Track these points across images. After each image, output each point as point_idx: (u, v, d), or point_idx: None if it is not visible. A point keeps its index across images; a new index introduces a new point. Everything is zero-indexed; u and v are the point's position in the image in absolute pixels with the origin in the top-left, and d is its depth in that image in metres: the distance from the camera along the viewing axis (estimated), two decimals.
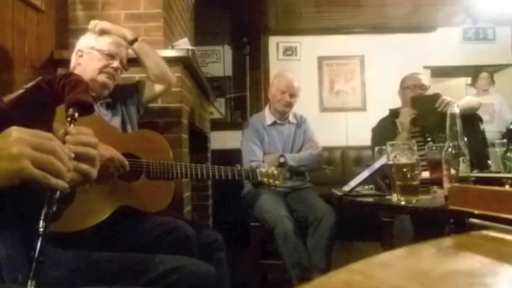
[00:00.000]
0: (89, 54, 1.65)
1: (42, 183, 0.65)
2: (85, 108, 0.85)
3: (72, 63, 1.69)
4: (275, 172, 1.84)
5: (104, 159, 1.34)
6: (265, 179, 1.81)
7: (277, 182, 1.83)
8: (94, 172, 0.79)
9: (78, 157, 0.76)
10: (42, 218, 0.69)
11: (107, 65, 1.64)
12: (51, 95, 0.86)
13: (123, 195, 1.44)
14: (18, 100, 0.84)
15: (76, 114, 0.83)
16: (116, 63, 1.67)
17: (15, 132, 0.66)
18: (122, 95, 1.78)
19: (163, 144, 1.64)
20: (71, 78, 0.88)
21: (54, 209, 0.70)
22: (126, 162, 1.41)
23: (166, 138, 1.85)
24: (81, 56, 1.67)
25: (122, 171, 1.41)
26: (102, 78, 1.64)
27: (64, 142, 0.76)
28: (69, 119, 0.82)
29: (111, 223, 1.37)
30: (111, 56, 1.67)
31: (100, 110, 1.65)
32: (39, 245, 0.68)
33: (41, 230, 0.69)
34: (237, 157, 2.74)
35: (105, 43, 1.67)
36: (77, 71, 1.61)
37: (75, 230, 1.27)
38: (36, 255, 0.68)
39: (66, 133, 0.78)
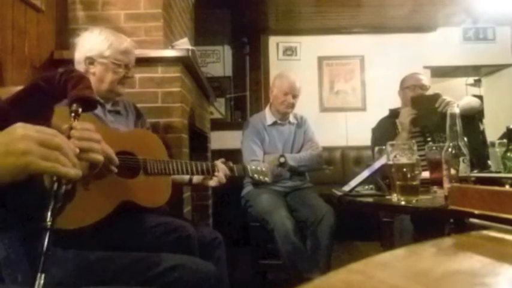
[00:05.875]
0: (103, 64, 1.60)
1: (51, 173, 0.68)
2: (88, 104, 0.85)
3: (81, 69, 1.61)
4: (264, 169, 1.93)
5: None
6: (255, 175, 1.90)
7: (266, 179, 1.92)
8: (101, 160, 0.82)
9: (83, 151, 0.78)
10: (49, 212, 0.70)
11: (124, 76, 1.63)
12: (50, 93, 0.86)
13: (124, 191, 1.45)
14: (16, 98, 0.84)
15: (80, 110, 0.84)
16: (131, 72, 1.67)
17: (20, 128, 0.67)
18: (130, 109, 1.79)
19: (158, 143, 1.66)
20: (72, 74, 0.88)
21: (60, 203, 0.71)
22: (114, 157, 1.36)
23: (166, 138, 1.85)
24: (92, 64, 1.61)
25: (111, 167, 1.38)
26: (119, 88, 1.64)
27: (69, 137, 0.77)
28: (73, 114, 0.83)
29: (112, 223, 1.37)
30: (126, 65, 1.64)
31: (107, 117, 1.63)
32: (47, 238, 0.69)
33: (49, 224, 0.69)
34: (237, 157, 2.74)
35: (117, 52, 1.61)
36: (91, 80, 1.59)
37: (78, 227, 1.27)
38: (44, 249, 0.68)
39: (71, 128, 0.79)
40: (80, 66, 1.63)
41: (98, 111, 1.60)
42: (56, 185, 0.71)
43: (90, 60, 1.61)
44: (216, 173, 1.71)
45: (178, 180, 1.79)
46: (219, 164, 1.75)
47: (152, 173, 1.54)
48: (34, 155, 0.65)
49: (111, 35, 1.64)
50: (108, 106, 1.67)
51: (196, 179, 1.78)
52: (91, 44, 1.62)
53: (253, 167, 1.91)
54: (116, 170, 1.36)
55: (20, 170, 0.65)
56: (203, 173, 1.71)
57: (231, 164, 1.82)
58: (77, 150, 0.73)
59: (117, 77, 1.61)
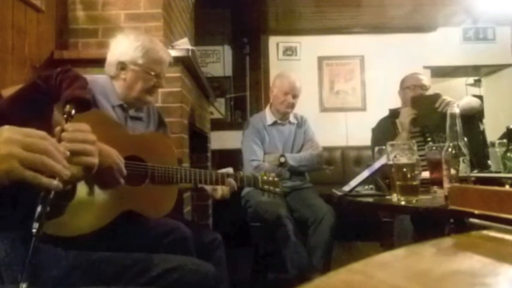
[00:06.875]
0: (135, 71, 1.56)
1: (32, 183, 0.64)
2: (82, 105, 0.84)
3: (111, 73, 1.59)
4: (275, 179, 1.83)
5: (104, 167, 1.25)
6: (266, 186, 1.80)
7: (277, 190, 1.82)
8: (95, 163, 0.78)
9: (76, 154, 0.75)
10: (35, 218, 0.67)
11: (154, 86, 1.59)
12: (48, 92, 0.85)
13: (127, 199, 1.41)
14: (16, 97, 0.83)
15: (73, 111, 0.81)
16: (162, 82, 1.62)
17: (6, 132, 0.64)
18: (153, 117, 1.74)
19: (169, 148, 1.61)
20: (68, 73, 0.87)
21: (48, 209, 0.69)
22: (122, 168, 1.31)
23: None
24: (123, 69, 1.57)
25: (119, 180, 1.33)
26: (148, 98, 1.60)
27: (60, 139, 0.75)
28: (65, 116, 0.80)
29: (110, 224, 1.36)
30: (157, 75, 1.59)
31: (127, 123, 1.59)
32: (31, 246, 0.66)
33: (34, 231, 0.67)
34: (237, 157, 2.74)
35: (152, 61, 1.57)
36: (119, 85, 1.57)
37: (80, 234, 1.26)
38: (28, 257, 0.66)
39: (63, 130, 0.77)
40: (110, 69, 1.59)
41: (120, 115, 1.57)
42: (42, 193, 0.68)
43: (122, 66, 1.57)
44: (223, 187, 1.65)
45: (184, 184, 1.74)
46: (231, 181, 1.66)
47: (159, 181, 1.48)
48: (16, 159, 0.62)
49: (148, 42, 1.59)
50: (131, 112, 1.63)
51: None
52: (124, 49, 1.57)
53: (265, 178, 1.81)
54: (123, 182, 1.31)
55: (2, 174, 0.62)
56: (211, 184, 1.64)
57: (241, 173, 1.76)
58: (67, 153, 0.71)
59: (147, 86, 1.57)
